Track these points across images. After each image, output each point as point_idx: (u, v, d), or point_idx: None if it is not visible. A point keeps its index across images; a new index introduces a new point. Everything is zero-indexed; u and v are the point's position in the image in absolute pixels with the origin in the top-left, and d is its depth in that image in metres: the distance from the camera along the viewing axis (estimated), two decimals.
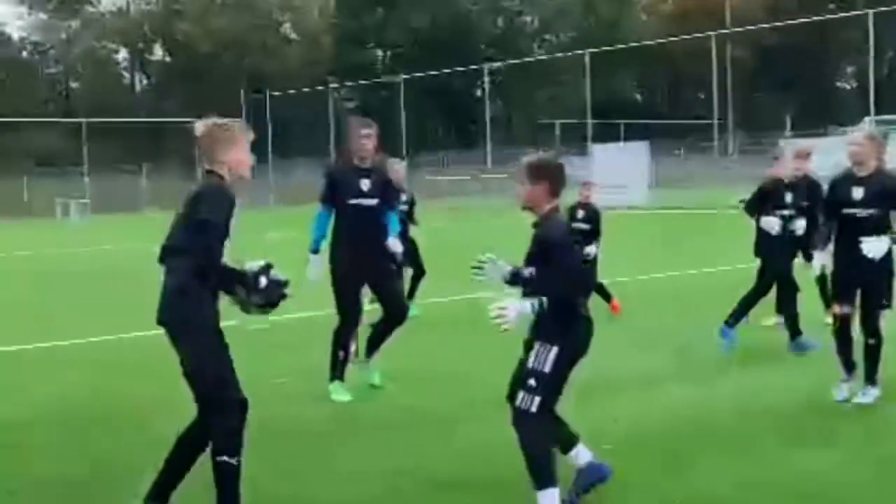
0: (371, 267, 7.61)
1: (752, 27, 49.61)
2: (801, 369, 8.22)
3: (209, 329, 4.70)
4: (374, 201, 7.54)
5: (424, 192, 44.76)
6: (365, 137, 7.52)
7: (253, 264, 4.84)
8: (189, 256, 4.66)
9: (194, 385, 4.72)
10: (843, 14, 49.92)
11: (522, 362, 4.86)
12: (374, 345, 7.81)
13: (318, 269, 7.63)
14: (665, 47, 54.18)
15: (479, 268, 5.08)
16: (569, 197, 7.75)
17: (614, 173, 33.78)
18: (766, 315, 10.31)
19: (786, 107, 62.25)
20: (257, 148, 5.00)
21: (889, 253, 6.81)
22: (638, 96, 76.11)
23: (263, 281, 4.78)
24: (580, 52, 47.03)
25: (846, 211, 6.95)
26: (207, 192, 4.76)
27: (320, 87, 57.70)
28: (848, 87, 74.12)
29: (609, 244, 11.76)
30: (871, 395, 7.02)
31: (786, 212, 9.10)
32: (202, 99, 62.34)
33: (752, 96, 64.85)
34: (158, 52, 73.83)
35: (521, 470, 4.74)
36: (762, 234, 9.20)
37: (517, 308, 4.64)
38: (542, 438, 4.79)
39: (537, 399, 4.72)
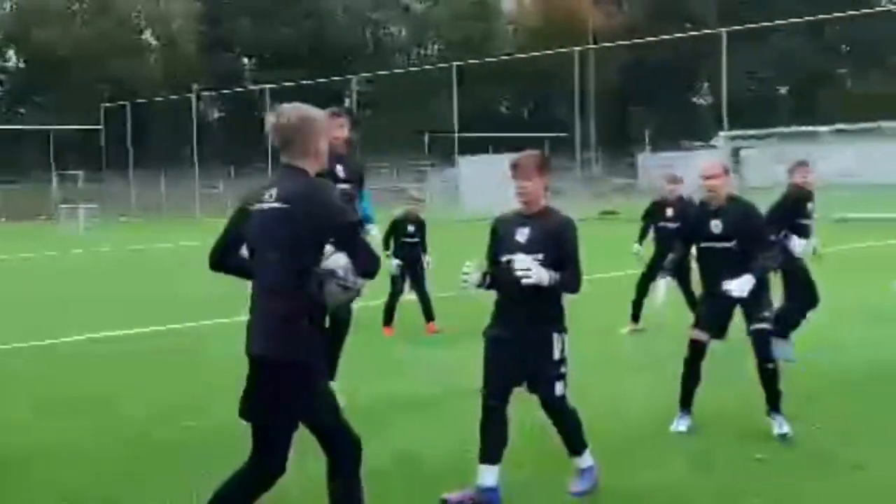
0: None
1: (614, 44, 51.03)
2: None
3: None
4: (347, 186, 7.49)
5: None
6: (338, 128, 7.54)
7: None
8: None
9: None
10: (698, 32, 51.72)
11: (521, 359, 5.23)
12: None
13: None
14: (531, 61, 55.13)
15: (465, 277, 5.29)
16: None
17: (481, 185, 34.22)
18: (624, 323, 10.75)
19: (646, 122, 64.21)
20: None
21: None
22: (505, 109, 77.24)
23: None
24: (447, 64, 47.46)
25: (704, 245, 6.83)
26: (331, 191, 4.30)
27: (184, 96, 56.60)
28: (704, 103, 76.88)
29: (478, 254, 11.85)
30: (783, 424, 6.64)
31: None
32: (60, 106, 60.41)
33: (614, 111, 66.61)
34: (13, 58, 71.12)
35: None
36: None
37: (543, 273, 5.07)
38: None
39: (566, 382, 5.33)
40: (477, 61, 50.34)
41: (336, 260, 4.14)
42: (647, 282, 10.35)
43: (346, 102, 62.21)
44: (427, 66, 56.90)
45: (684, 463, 6.15)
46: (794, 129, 33.22)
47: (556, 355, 5.22)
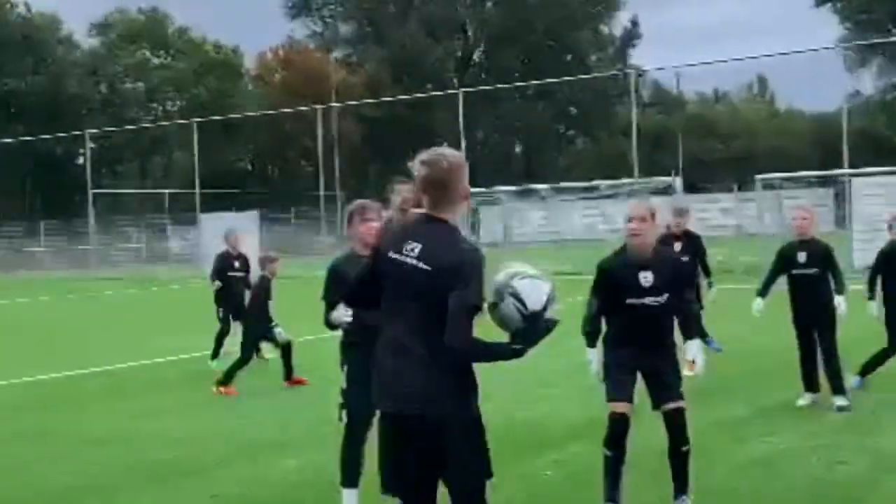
0: None
1: (356, 102, 51.76)
2: None
3: None
4: None
5: (16, 265, 42.22)
6: None
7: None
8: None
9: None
10: (437, 92, 53.43)
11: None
12: None
13: None
14: (275, 119, 54.98)
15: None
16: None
17: (223, 243, 33.59)
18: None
19: (388, 179, 65.26)
20: None
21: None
22: (249, 166, 76.43)
23: None
24: (187, 121, 46.50)
25: (630, 301, 5.81)
26: (478, 261, 3.86)
27: None
28: None
29: (194, 319, 11.55)
30: None
31: None
32: None
33: (358, 168, 67.37)
34: None
35: None
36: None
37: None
38: None
39: None
40: (219, 118, 49.62)
41: (535, 285, 3.87)
42: None
43: (80, 159, 59.61)
44: (166, 123, 55.46)
45: None
46: (522, 186, 34.58)
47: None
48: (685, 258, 10.45)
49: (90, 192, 43.47)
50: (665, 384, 5.83)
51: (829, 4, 68.58)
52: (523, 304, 3.84)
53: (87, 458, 8.01)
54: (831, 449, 7.49)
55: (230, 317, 12.25)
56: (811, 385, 8.94)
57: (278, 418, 9.40)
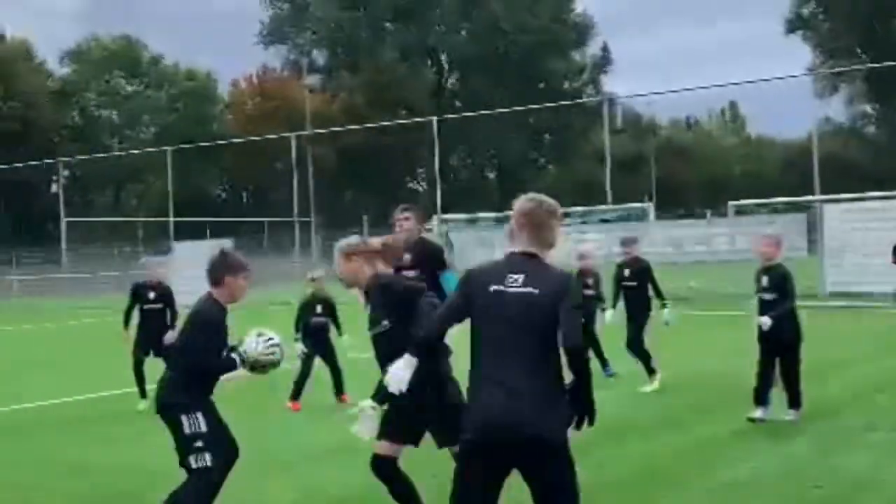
0: None
1: (330, 130, 51.79)
2: None
3: None
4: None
5: None
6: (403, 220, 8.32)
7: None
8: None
9: None
10: (412, 119, 53.54)
11: None
12: None
13: None
14: (249, 146, 54.93)
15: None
16: None
17: (197, 271, 33.50)
18: None
19: (363, 206, 65.29)
20: None
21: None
22: (223, 193, 76.27)
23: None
24: (162, 148, 46.38)
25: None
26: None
27: None
28: (420, 188, 79.39)
29: None
30: None
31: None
32: None
33: (333, 195, 67.36)
34: None
35: None
36: None
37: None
38: None
39: None
40: (192, 145, 49.52)
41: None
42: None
43: (53, 187, 59.29)
44: (138, 150, 55.27)
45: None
46: (499, 214, 34.65)
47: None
48: (635, 283, 11.60)
49: (63, 220, 43.25)
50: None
51: (801, 32, 69.53)
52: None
53: (57, 488, 7.93)
54: (805, 471, 7.53)
55: (149, 352, 11.48)
56: (761, 399, 9.29)
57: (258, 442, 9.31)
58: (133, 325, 11.80)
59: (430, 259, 8.36)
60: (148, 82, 70.78)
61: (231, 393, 11.50)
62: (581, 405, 4.23)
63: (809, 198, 28.31)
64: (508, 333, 4.21)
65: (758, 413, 9.26)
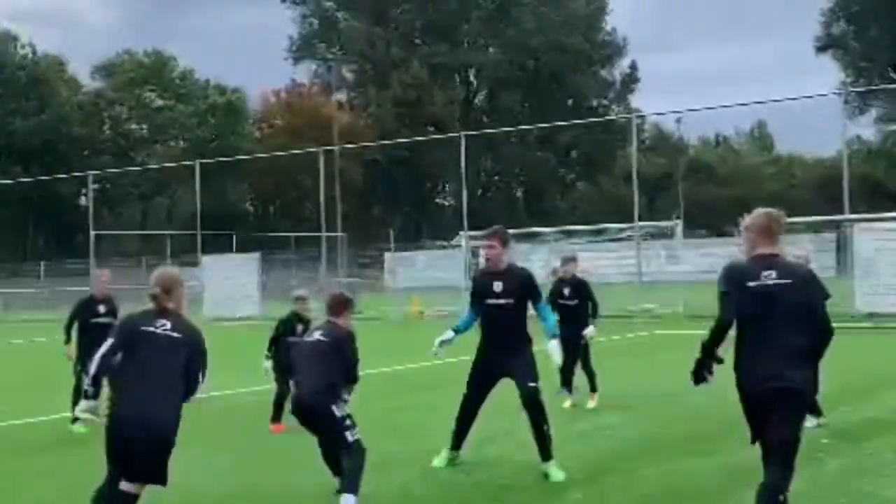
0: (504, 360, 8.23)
1: (358, 145, 51.90)
2: None
3: None
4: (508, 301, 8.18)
5: (21, 305, 42.19)
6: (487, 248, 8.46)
7: None
8: None
9: None
10: (439, 136, 53.69)
11: None
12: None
13: (446, 342, 8.45)
14: (277, 160, 55.18)
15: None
16: None
17: (225, 284, 33.61)
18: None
19: (390, 221, 65.46)
20: None
21: None
22: (251, 207, 76.66)
23: None
24: (190, 161, 46.64)
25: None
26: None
27: None
28: (445, 203, 79.49)
29: (223, 356, 11.45)
30: None
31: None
32: None
33: (360, 210, 67.56)
34: None
35: None
36: None
37: None
38: None
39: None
40: (221, 159, 49.80)
41: None
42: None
43: (83, 199, 59.77)
44: (169, 164, 55.68)
45: None
46: (526, 230, 34.64)
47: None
48: (575, 301, 11.82)
49: (91, 233, 43.54)
50: None
51: (831, 51, 69.11)
52: None
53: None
54: (832, 497, 7.42)
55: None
56: None
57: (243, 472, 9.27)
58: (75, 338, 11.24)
59: (525, 289, 8.26)
60: (178, 97, 71.35)
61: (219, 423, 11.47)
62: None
63: (839, 217, 28.08)
64: (775, 321, 5.66)
65: None
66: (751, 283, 5.72)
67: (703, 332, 5.93)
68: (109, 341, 5.95)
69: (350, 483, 6.94)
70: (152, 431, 5.66)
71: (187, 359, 5.87)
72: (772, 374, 5.59)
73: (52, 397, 13.04)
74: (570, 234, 33.02)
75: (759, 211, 5.97)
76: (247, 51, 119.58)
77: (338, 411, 7.12)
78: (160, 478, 5.76)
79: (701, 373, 5.89)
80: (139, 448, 5.65)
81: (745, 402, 5.78)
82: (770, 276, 5.69)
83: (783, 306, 5.63)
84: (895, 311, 22.77)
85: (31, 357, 22.60)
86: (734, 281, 5.79)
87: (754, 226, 5.90)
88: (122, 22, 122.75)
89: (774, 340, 5.63)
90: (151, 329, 5.85)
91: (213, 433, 10.59)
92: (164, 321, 5.91)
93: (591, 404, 11.81)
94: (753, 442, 5.84)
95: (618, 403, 11.75)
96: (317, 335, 7.56)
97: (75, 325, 11.28)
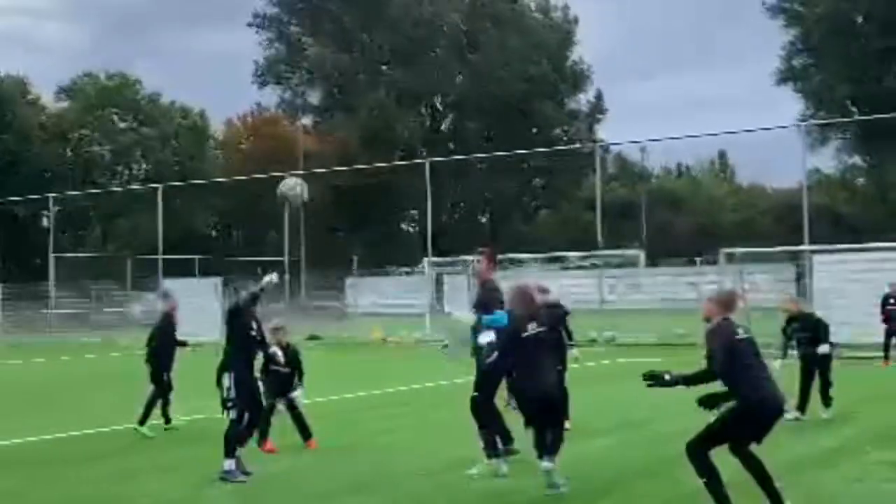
0: None
1: (323, 170, 51.80)
2: None
3: None
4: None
5: None
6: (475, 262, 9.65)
7: None
8: None
9: None
10: (404, 162, 53.72)
11: None
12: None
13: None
14: (241, 185, 54.93)
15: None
16: None
17: (186, 308, 33.33)
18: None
19: (353, 247, 65.27)
20: None
21: None
22: (214, 232, 76.15)
23: None
24: (153, 185, 46.33)
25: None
26: None
27: None
28: (410, 229, 79.43)
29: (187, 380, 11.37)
30: None
31: None
32: None
33: (324, 235, 67.32)
34: None
35: None
36: None
37: None
38: None
39: None
40: (184, 182, 49.49)
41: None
42: None
43: (44, 221, 59.12)
44: (131, 187, 55.25)
45: None
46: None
47: None
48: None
49: (51, 255, 43.09)
50: None
51: (791, 83, 70.00)
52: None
53: None
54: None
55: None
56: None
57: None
58: None
59: (490, 303, 9.21)
60: (142, 119, 70.87)
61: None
62: None
63: (800, 248, 28.36)
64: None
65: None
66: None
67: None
68: None
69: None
70: None
71: None
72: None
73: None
74: (533, 261, 33.07)
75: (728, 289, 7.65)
76: (212, 74, 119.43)
77: None
78: None
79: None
80: None
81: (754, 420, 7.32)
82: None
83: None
84: (854, 341, 22.97)
85: None
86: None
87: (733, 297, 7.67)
88: (88, 44, 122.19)
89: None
90: None
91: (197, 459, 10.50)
92: None
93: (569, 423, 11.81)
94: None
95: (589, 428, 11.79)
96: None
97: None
